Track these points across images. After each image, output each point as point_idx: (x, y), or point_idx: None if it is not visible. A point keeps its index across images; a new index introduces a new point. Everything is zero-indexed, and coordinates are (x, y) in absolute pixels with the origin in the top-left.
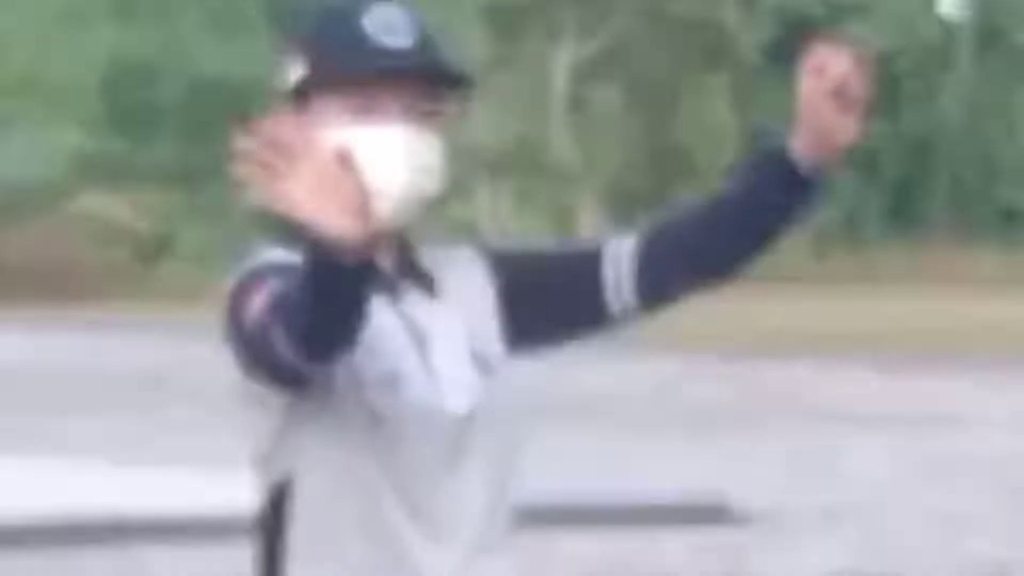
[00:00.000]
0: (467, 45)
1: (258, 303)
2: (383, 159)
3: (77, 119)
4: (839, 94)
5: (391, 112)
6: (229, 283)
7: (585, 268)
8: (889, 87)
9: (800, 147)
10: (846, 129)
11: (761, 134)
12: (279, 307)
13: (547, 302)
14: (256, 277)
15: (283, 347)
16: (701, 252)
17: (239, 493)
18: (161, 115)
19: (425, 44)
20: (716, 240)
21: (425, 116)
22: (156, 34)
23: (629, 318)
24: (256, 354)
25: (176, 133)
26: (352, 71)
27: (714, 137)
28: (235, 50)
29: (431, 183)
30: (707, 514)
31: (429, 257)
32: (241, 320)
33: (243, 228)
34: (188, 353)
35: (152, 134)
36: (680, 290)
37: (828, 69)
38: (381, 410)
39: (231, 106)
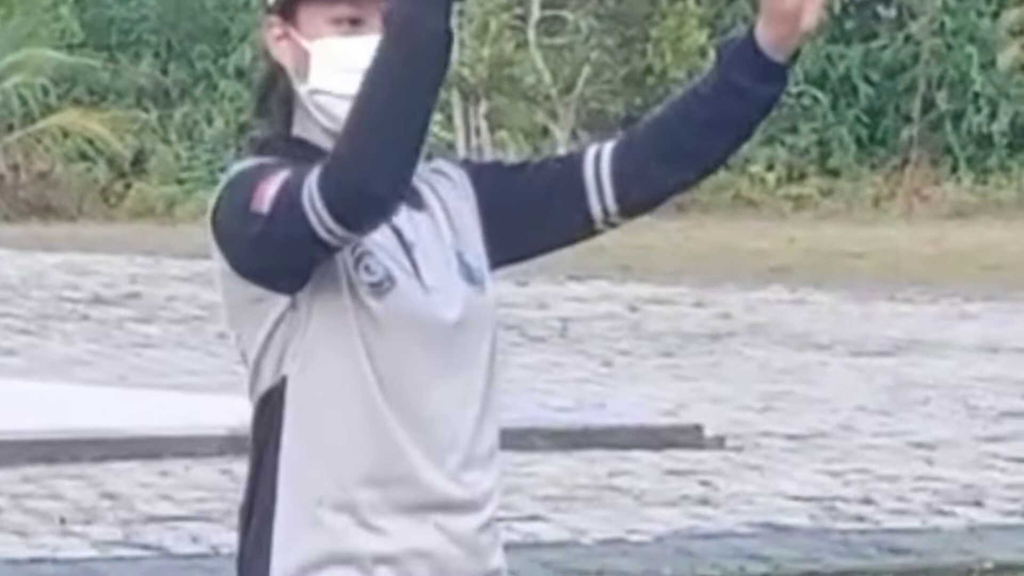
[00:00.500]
0: None
1: (274, 187)
2: None
3: (54, 36)
4: None
5: (377, 22)
6: (216, 193)
7: (566, 173)
8: (863, 12)
9: (765, 34)
10: (810, 13)
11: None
12: (322, 176)
13: (529, 210)
14: (257, 172)
15: (318, 210)
16: (676, 145)
17: (213, 411)
18: (137, 33)
19: None
20: (690, 132)
21: None
22: None
23: (610, 222)
24: (274, 234)
25: (151, 51)
26: None
27: (688, 59)
28: None
29: None
30: (681, 438)
31: None
32: (253, 207)
33: (216, 147)
34: (162, 269)
35: (128, 52)
36: (658, 188)
37: None
38: (376, 314)
39: (206, 25)
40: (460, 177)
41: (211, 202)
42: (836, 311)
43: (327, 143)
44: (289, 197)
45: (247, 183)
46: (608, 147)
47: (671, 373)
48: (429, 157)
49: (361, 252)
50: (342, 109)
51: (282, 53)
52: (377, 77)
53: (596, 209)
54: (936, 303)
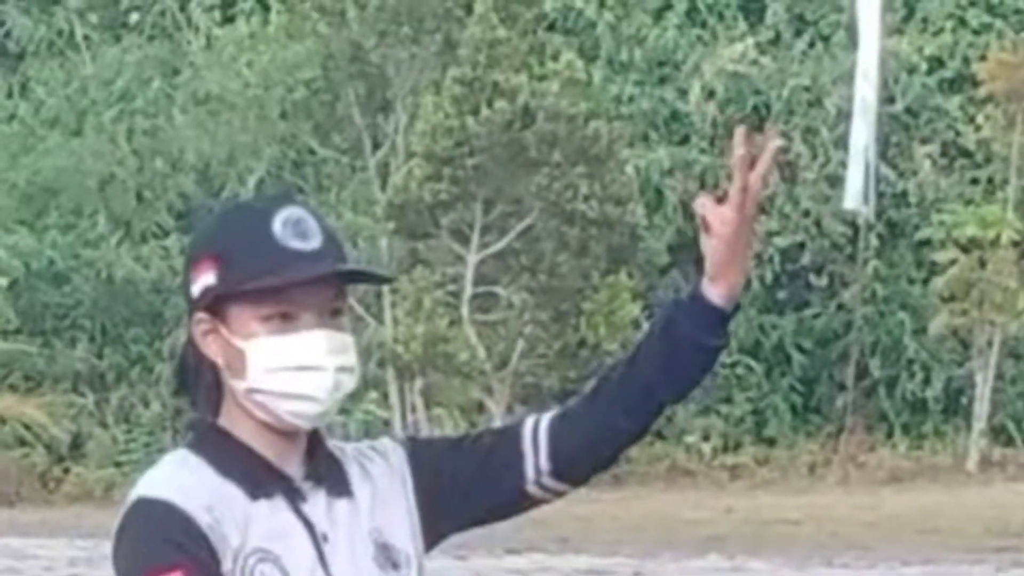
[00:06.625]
0: (376, 245)
1: None
2: (308, 365)
3: None
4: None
5: (308, 316)
6: (120, 519)
7: (505, 445)
8: (795, 282)
9: (713, 278)
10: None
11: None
12: None
13: (469, 482)
14: (154, 553)
15: None
16: (621, 398)
17: None
18: (72, 318)
19: (331, 243)
20: (635, 384)
21: (335, 315)
22: (66, 239)
23: (542, 483)
24: None
25: (87, 336)
26: (269, 280)
27: (622, 332)
28: (144, 254)
29: (352, 382)
30: None
31: (346, 451)
32: None
33: (153, 430)
34: (102, 552)
35: (63, 337)
36: (599, 448)
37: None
38: None
39: (141, 309)
40: (398, 456)
41: (115, 525)
42: None
43: (255, 439)
44: None
45: (144, 561)
46: (547, 415)
47: None
48: (370, 436)
49: (259, 557)
50: (282, 407)
51: (210, 348)
52: None
53: (530, 470)
54: (874, 567)
